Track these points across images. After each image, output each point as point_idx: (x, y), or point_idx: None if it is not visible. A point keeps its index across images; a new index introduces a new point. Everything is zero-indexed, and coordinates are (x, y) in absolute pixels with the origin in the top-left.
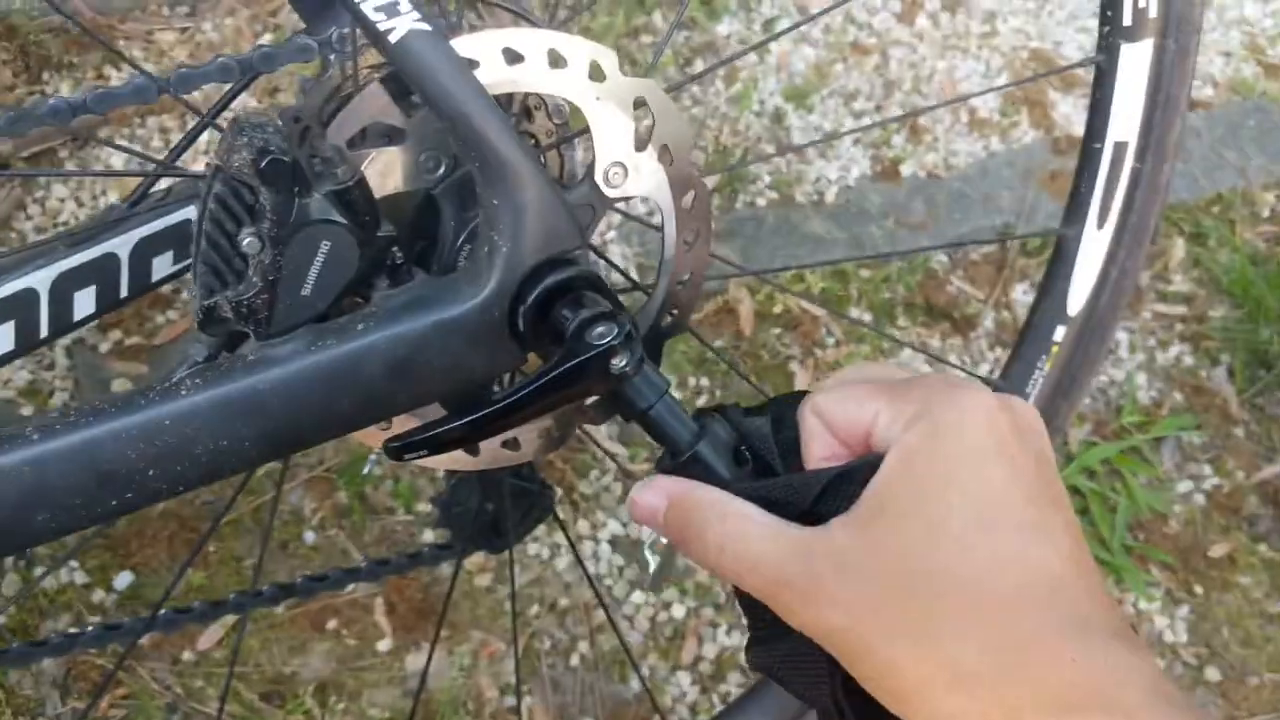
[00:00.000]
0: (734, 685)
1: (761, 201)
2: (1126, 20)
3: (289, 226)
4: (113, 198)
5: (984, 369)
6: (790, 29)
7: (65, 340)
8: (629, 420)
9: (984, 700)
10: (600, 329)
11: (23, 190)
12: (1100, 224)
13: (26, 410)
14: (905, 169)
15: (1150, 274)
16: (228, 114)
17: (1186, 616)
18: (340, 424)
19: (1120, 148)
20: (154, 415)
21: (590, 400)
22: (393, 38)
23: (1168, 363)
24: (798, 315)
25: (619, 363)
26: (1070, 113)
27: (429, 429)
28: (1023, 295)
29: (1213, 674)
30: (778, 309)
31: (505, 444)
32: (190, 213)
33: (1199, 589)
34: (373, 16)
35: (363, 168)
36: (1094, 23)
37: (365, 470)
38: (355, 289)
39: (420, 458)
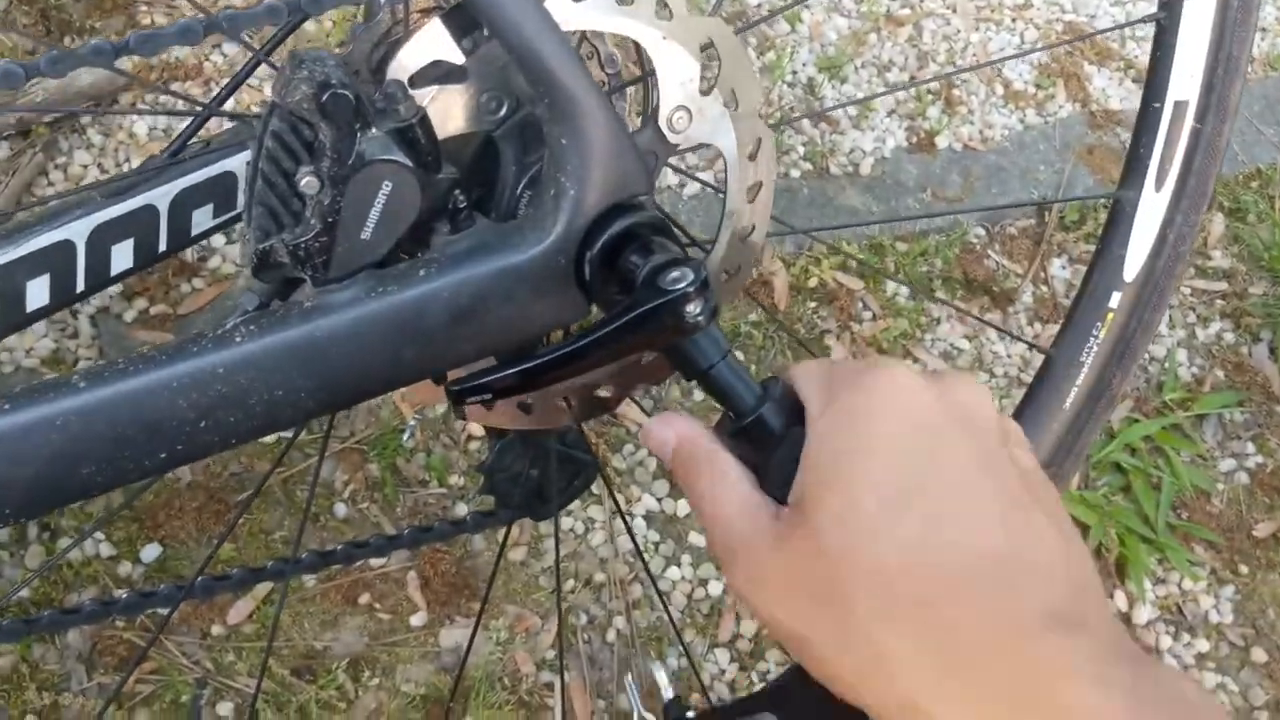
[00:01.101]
0: (773, 663)
1: (795, 173)
2: None
3: (349, 166)
4: (136, 164)
5: (1021, 346)
6: None
7: (89, 308)
8: (689, 379)
9: (913, 685)
10: (674, 274)
11: (45, 156)
12: (1159, 186)
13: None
14: (941, 141)
15: (1189, 249)
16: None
17: (1232, 597)
18: (400, 374)
19: (1180, 107)
20: (207, 363)
21: (649, 358)
22: None
23: (1208, 339)
24: (833, 289)
25: (693, 310)
26: (1105, 86)
27: (494, 371)
28: (1061, 270)
29: (1259, 655)
30: (813, 282)
31: (559, 403)
32: (233, 164)
33: (1244, 568)
34: None
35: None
36: None
37: (405, 438)
38: (415, 233)
39: (481, 402)
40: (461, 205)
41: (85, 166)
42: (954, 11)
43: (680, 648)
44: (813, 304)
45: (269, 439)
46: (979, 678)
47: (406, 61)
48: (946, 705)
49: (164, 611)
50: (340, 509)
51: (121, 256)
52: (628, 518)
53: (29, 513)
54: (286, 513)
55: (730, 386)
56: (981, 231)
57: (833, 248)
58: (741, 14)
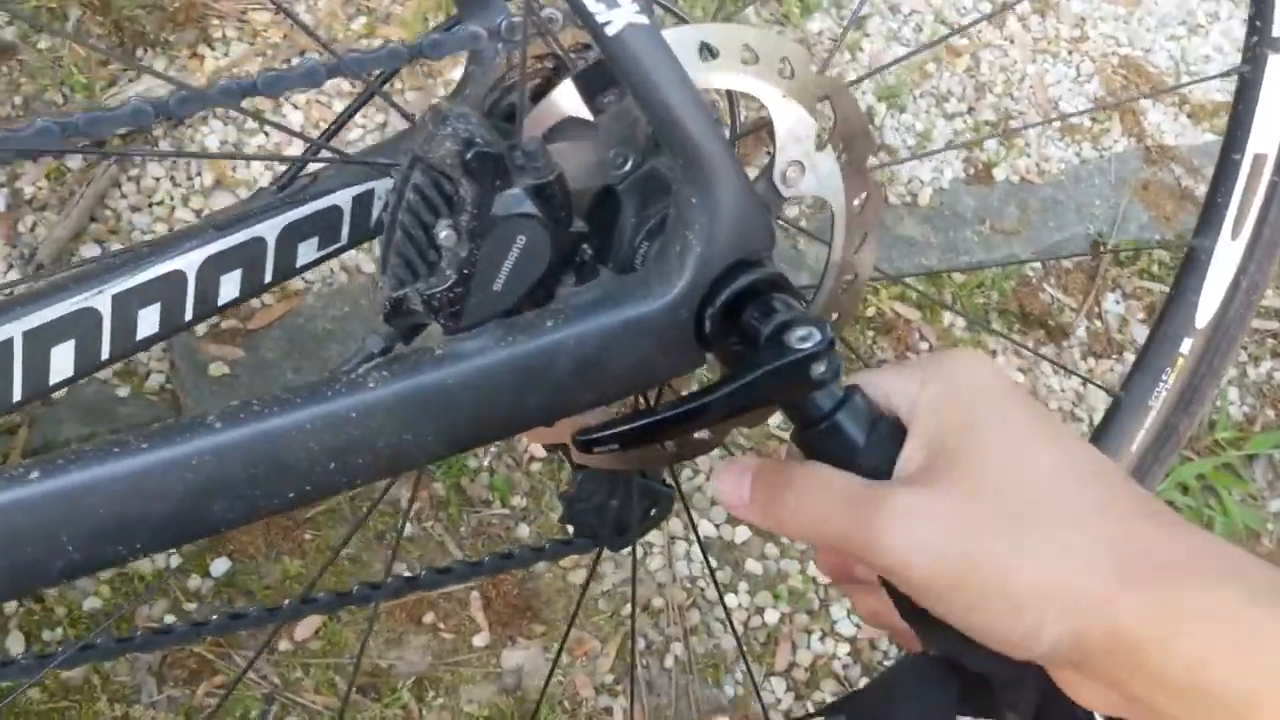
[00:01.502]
0: (828, 693)
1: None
2: (1276, 32)
3: (486, 220)
4: (208, 179)
5: (1075, 381)
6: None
7: None
8: (804, 429)
9: (1100, 573)
10: (801, 333)
11: (119, 168)
12: (1235, 235)
13: (122, 392)
14: (998, 173)
15: None
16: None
17: None
18: (522, 420)
19: (1260, 160)
20: (339, 407)
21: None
22: (610, 30)
23: (1260, 378)
24: (891, 319)
25: (819, 369)
26: (1160, 121)
27: (621, 423)
28: (1114, 305)
29: None
30: (870, 311)
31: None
32: (338, 199)
33: None
34: (591, 8)
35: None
36: (1182, 30)
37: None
38: (542, 285)
39: (609, 452)
40: (588, 258)
41: (158, 179)
42: (1011, 43)
43: (739, 673)
44: (870, 333)
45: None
46: (1168, 574)
47: (540, 119)
48: (1141, 593)
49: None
50: (406, 528)
51: (229, 286)
52: (685, 543)
53: (160, 547)
54: (352, 529)
55: (846, 437)
56: (1038, 265)
57: (892, 278)
58: (804, 40)
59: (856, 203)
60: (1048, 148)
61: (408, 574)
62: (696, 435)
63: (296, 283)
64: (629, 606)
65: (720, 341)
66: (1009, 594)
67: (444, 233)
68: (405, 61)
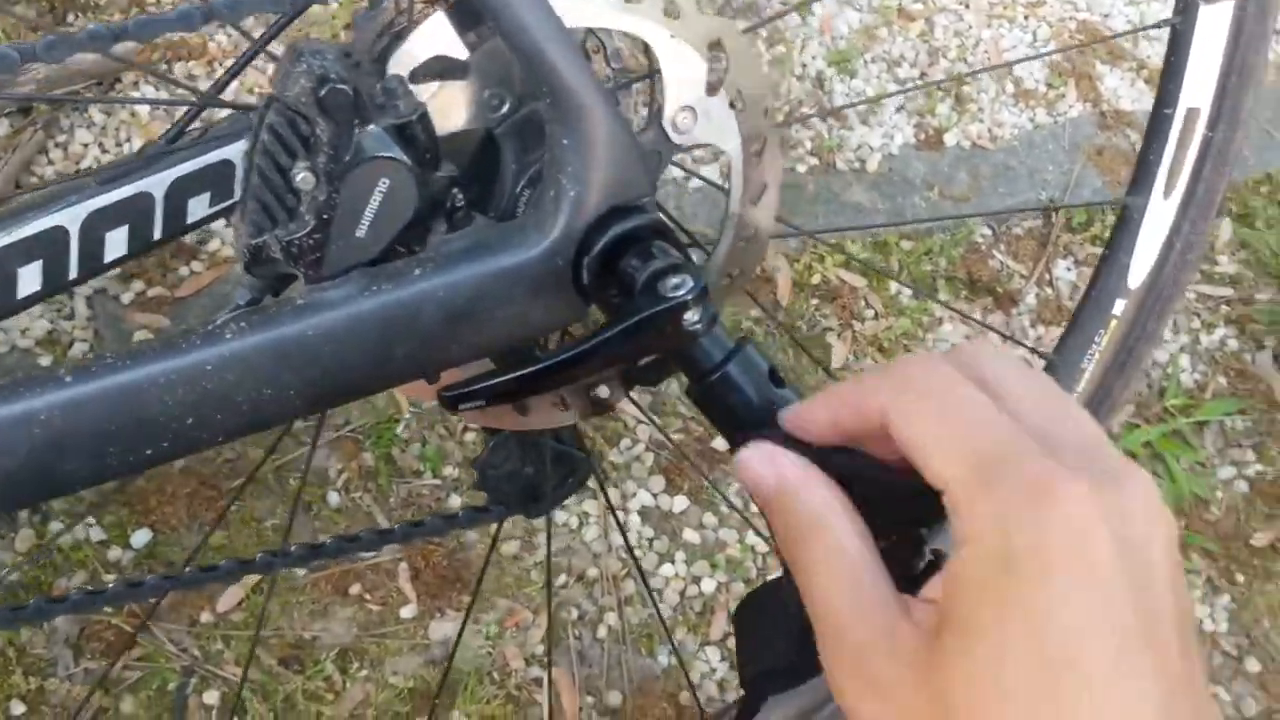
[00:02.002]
0: None
1: (802, 168)
2: None
3: (346, 162)
4: (136, 144)
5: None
6: None
7: (86, 290)
8: (695, 383)
9: None
10: (674, 281)
11: (45, 134)
12: (1167, 193)
13: (45, 360)
14: (949, 138)
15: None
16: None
17: (1227, 606)
18: (392, 374)
19: (1192, 114)
20: (196, 360)
21: (645, 360)
22: None
23: (1212, 345)
24: (836, 286)
25: (692, 318)
26: (1118, 86)
27: (488, 378)
28: (1066, 272)
29: (1253, 665)
30: (815, 279)
31: (555, 404)
32: (230, 152)
33: (1240, 578)
34: None
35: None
36: None
37: (400, 429)
38: (411, 232)
39: (475, 408)
40: (459, 204)
41: (86, 145)
42: (966, 8)
43: (670, 645)
44: (815, 301)
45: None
46: None
47: (408, 55)
48: None
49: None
50: (334, 498)
51: (116, 243)
52: (622, 513)
53: (8, 505)
54: (279, 500)
55: (738, 391)
56: (988, 231)
57: (836, 245)
58: (753, 6)
59: (754, 151)
60: (1001, 113)
61: (312, 542)
62: (595, 393)
63: (225, 250)
64: (563, 577)
65: (599, 291)
66: None
67: (301, 175)
68: (287, 6)
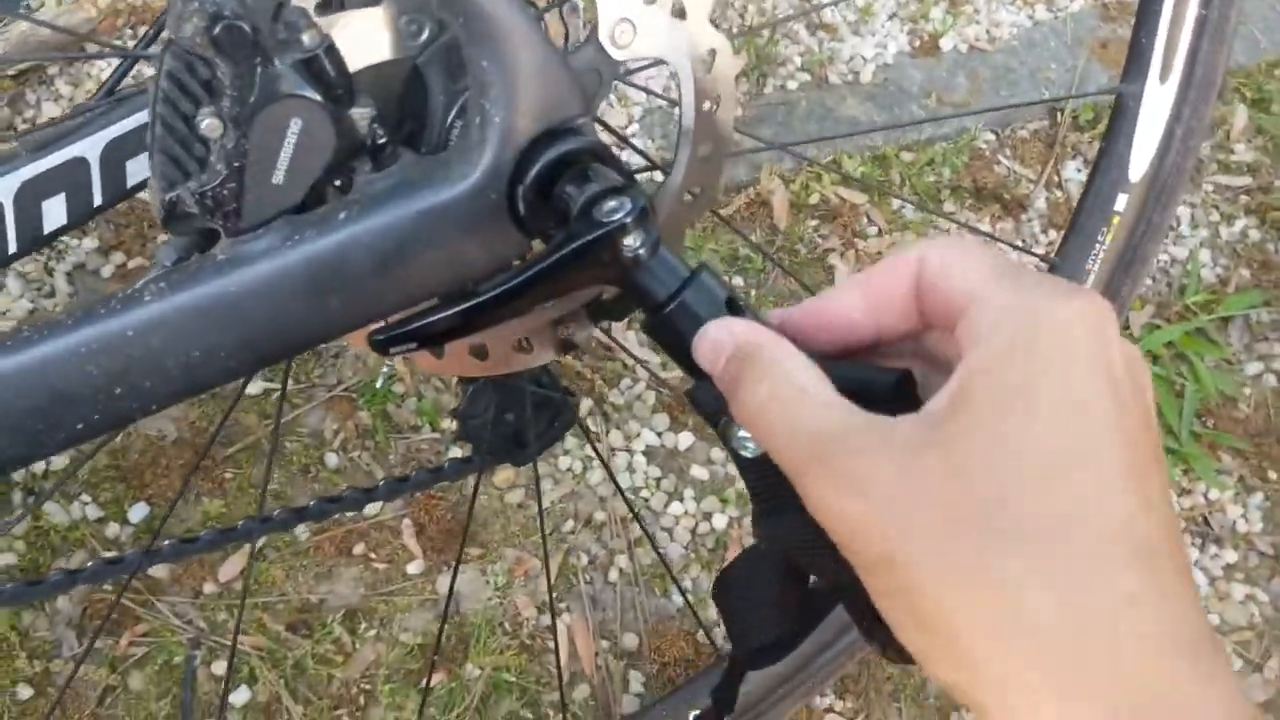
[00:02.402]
0: None
1: (793, 85)
2: None
3: (252, 105)
4: None
5: (1037, 252)
6: None
7: (65, 265)
8: (652, 316)
9: (1057, 668)
10: (610, 204)
11: (11, 110)
12: (1163, 78)
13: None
14: (945, 43)
15: (1211, 144)
16: None
17: (1261, 504)
18: (327, 326)
19: None
20: (115, 327)
21: (611, 291)
22: None
23: (1233, 237)
24: (836, 205)
25: (632, 243)
26: None
27: (417, 319)
28: (1075, 173)
29: None
30: (814, 199)
31: (516, 346)
32: None
33: (1273, 475)
34: None
35: (333, 34)
36: None
37: (379, 385)
38: (334, 174)
39: (409, 351)
40: (382, 141)
41: (53, 120)
42: None
43: (688, 580)
44: (814, 222)
45: (255, 390)
46: (1082, 677)
47: None
48: (1026, 672)
49: (153, 573)
50: (331, 459)
51: (54, 213)
52: (626, 454)
53: None
54: (277, 465)
55: (695, 321)
56: (991, 136)
57: (834, 162)
58: None
59: (703, 63)
60: (998, 12)
61: (293, 506)
62: (559, 332)
63: None
64: (569, 523)
65: (538, 222)
66: (923, 623)
67: (206, 122)
68: None
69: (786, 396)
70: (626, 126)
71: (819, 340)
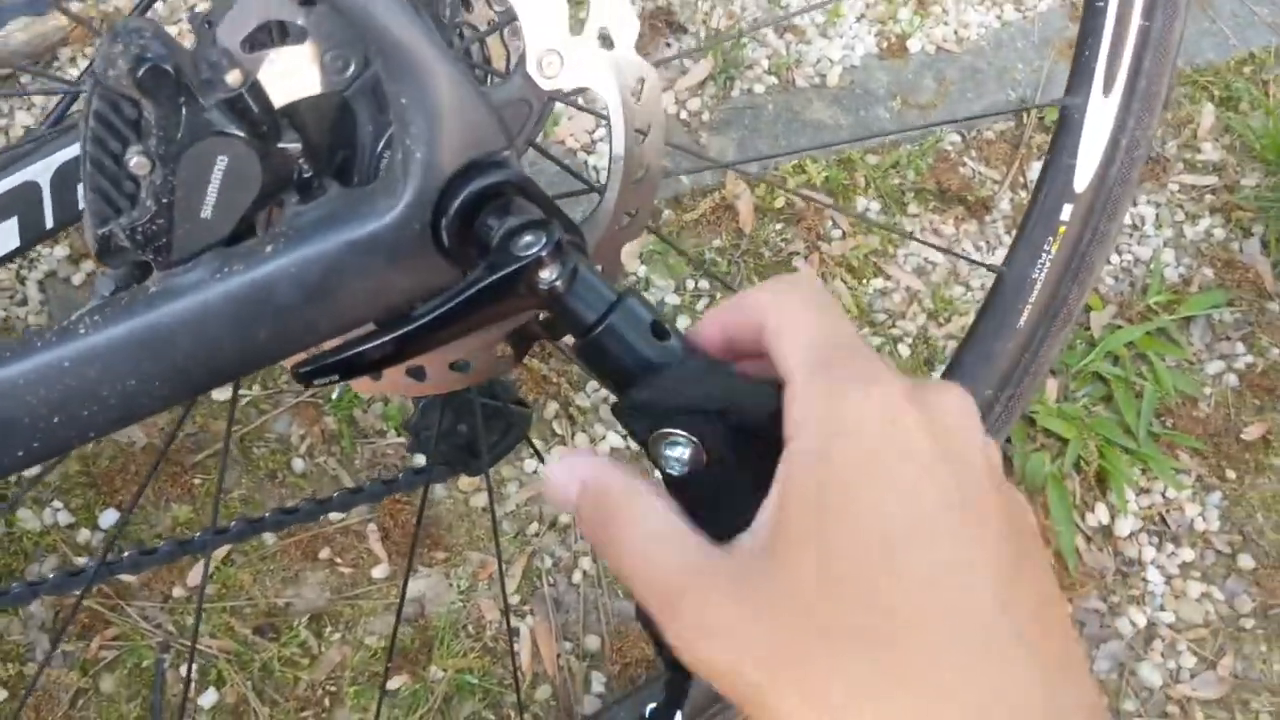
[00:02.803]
0: None
1: (760, 88)
2: None
3: (179, 143)
4: None
5: (1000, 254)
6: None
7: (37, 274)
8: (580, 340)
9: None
10: (527, 239)
11: None
12: (1107, 91)
13: None
14: (913, 44)
15: (1177, 143)
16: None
17: (1219, 503)
18: (257, 356)
19: (1125, 4)
20: (51, 358)
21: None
22: None
23: (1197, 237)
24: (801, 208)
25: (548, 276)
26: None
27: (339, 351)
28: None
29: (1246, 561)
30: (779, 203)
31: (453, 365)
32: None
33: (1231, 474)
34: None
35: (260, 72)
36: None
37: (334, 394)
38: (262, 207)
39: (332, 382)
40: (308, 175)
41: (26, 128)
42: None
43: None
44: (779, 225)
45: (223, 396)
46: None
47: (237, 23)
48: None
49: (128, 578)
50: (298, 464)
51: (6, 236)
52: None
53: None
54: (244, 471)
55: (624, 344)
56: (957, 138)
57: (797, 167)
58: None
59: (632, 91)
60: (966, 13)
61: (248, 516)
62: (495, 352)
63: None
64: (534, 526)
65: (463, 253)
66: None
67: (134, 159)
68: None
69: (636, 548)
70: (593, 131)
71: (716, 350)
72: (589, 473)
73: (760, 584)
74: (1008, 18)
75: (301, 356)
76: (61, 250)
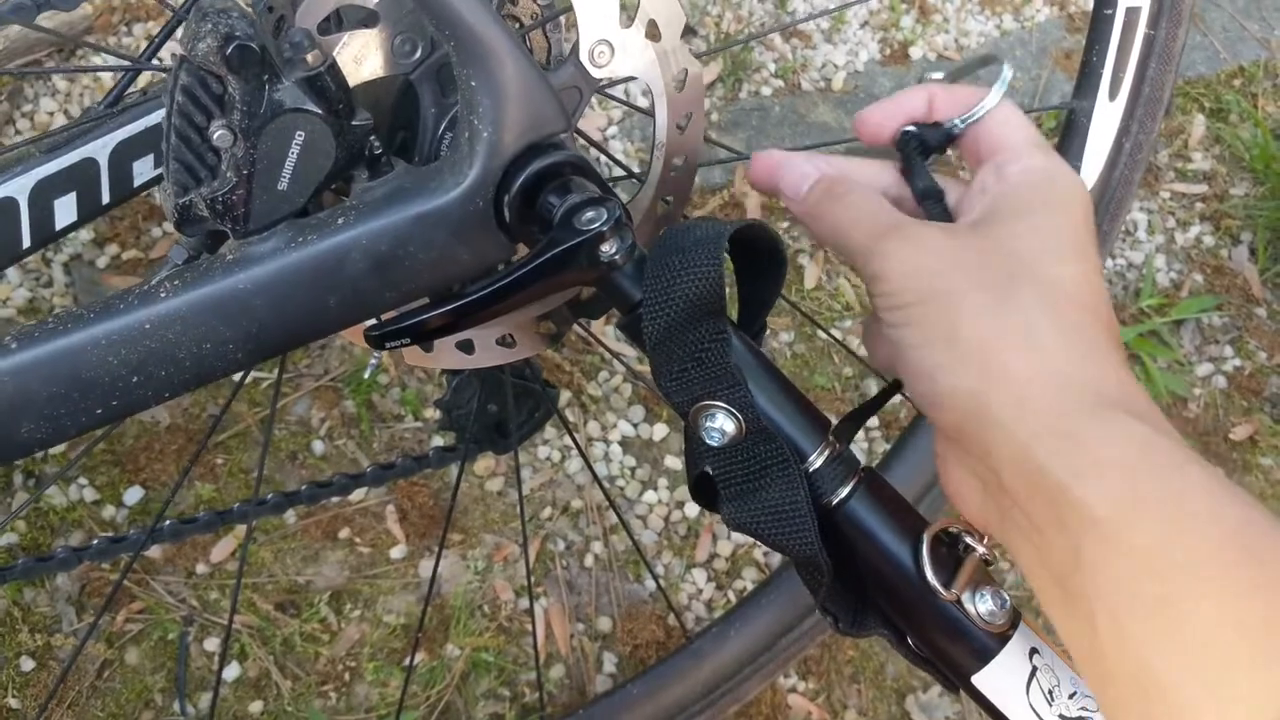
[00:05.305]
0: (749, 580)
1: (767, 90)
2: None
3: (260, 117)
4: None
5: None
6: None
7: (63, 256)
8: (626, 315)
9: (1046, 369)
10: (589, 214)
11: (10, 105)
12: (1112, 95)
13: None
14: (915, 51)
15: (1169, 152)
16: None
17: None
18: (327, 322)
19: (1133, 13)
20: (133, 320)
21: (589, 291)
22: None
23: (1187, 243)
24: None
25: (609, 249)
26: None
27: (410, 316)
28: None
29: None
30: (782, 202)
31: (500, 341)
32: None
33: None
34: None
35: (335, 53)
36: None
37: (366, 375)
38: (334, 182)
39: (402, 346)
40: (379, 151)
41: (51, 114)
42: None
43: (660, 566)
44: (785, 224)
45: (244, 378)
46: (1071, 374)
47: (316, 7)
48: (1060, 419)
49: (151, 553)
50: (318, 446)
51: (66, 210)
52: (602, 444)
53: None
54: (266, 452)
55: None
56: None
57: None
58: None
59: (677, 81)
60: (967, 22)
61: (285, 490)
62: (539, 329)
63: None
64: (547, 510)
65: (522, 229)
66: (955, 339)
67: (218, 133)
68: None
69: (868, 204)
70: (607, 128)
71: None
72: (821, 172)
73: (969, 235)
74: (1007, 27)
75: (371, 322)
76: (86, 234)
